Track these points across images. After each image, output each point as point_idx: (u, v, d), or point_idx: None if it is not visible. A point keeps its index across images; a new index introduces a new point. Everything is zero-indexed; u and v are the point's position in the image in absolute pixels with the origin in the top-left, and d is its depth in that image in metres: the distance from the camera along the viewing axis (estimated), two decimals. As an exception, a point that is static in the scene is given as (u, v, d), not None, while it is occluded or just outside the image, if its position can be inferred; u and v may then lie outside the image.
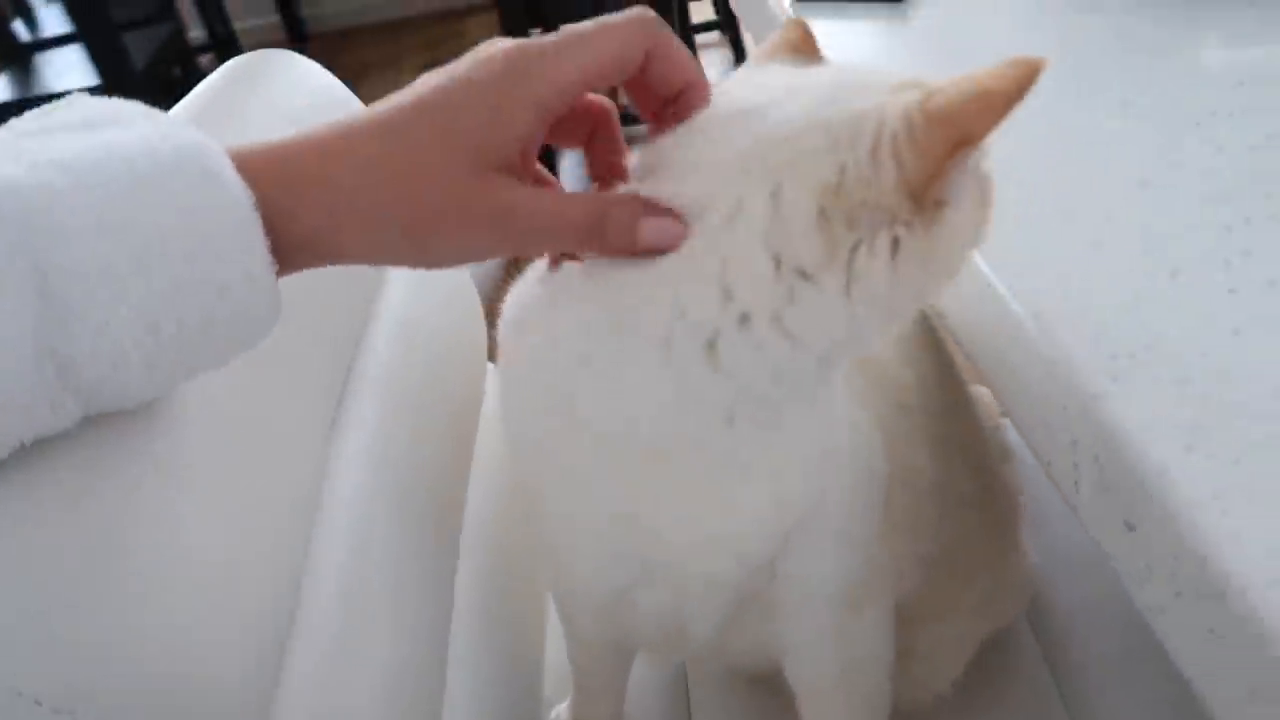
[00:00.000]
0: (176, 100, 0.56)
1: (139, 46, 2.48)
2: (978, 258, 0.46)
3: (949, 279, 0.40)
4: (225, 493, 0.38)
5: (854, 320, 0.37)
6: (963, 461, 0.59)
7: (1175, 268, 0.42)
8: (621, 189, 0.40)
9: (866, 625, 0.53)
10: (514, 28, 2.32)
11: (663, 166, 0.39)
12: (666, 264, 0.37)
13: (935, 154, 0.35)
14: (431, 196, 0.34)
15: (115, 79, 2.30)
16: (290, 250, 0.34)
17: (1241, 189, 0.46)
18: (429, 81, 0.36)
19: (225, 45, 3.31)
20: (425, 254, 0.36)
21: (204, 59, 3.23)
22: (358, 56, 3.54)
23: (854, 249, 0.36)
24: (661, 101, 0.39)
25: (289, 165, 0.34)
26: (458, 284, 0.70)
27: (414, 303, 0.60)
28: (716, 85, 0.42)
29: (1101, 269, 0.43)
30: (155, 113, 0.34)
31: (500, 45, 0.36)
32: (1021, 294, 0.43)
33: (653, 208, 0.37)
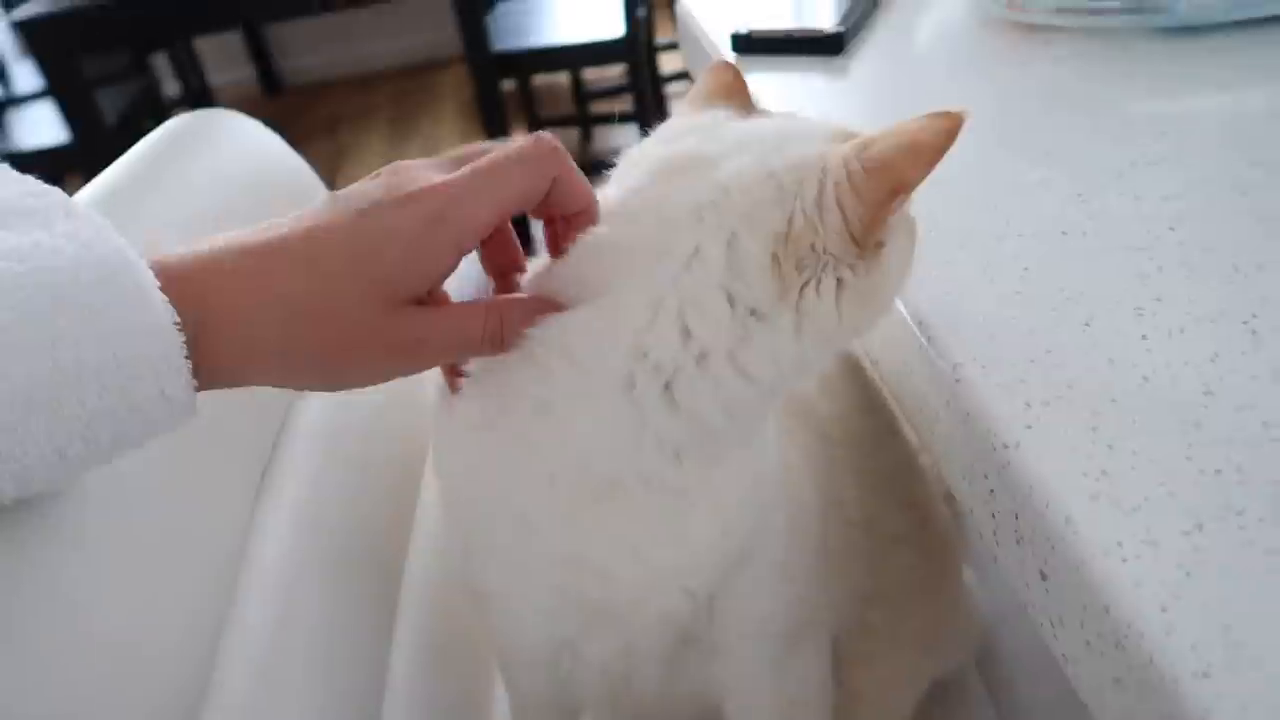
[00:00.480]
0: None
1: (111, 102, 2.49)
2: (902, 307, 0.47)
3: (885, 313, 0.44)
4: (134, 562, 0.38)
5: (801, 355, 0.41)
6: (892, 496, 0.59)
7: (1090, 316, 0.43)
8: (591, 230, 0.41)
9: (804, 662, 0.53)
10: (485, 81, 2.35)
11: (621, 211, 0.41)
12: (627, 309, 0.39)
13: (875, 201, 0.38)
14: (345, 333, 0.35)
15: (87, 135, 2.31)
16: (201, 370, 0.34)
17: (1156, 237, 0.47)
18: (346, 207, 0.36)
19: (199, 99, 3.34)
20: (335, 382, 0.38)
21: (178, 113, 3.25)
22: (331, 109, 3.57)
23: (803, 289, 0.39)
24: (555, 216, 0.42)
25: (204, 291, 0.34)
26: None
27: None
28: (663, 128, 0.46)
29: (1020, 318, 0.44)
30: (75, 208, 0.33)
31: (418, 181, 0.37)
32: (942, 344, 0.44)
33: (540, 305, 0.40)
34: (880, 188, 0.38)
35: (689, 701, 0.57)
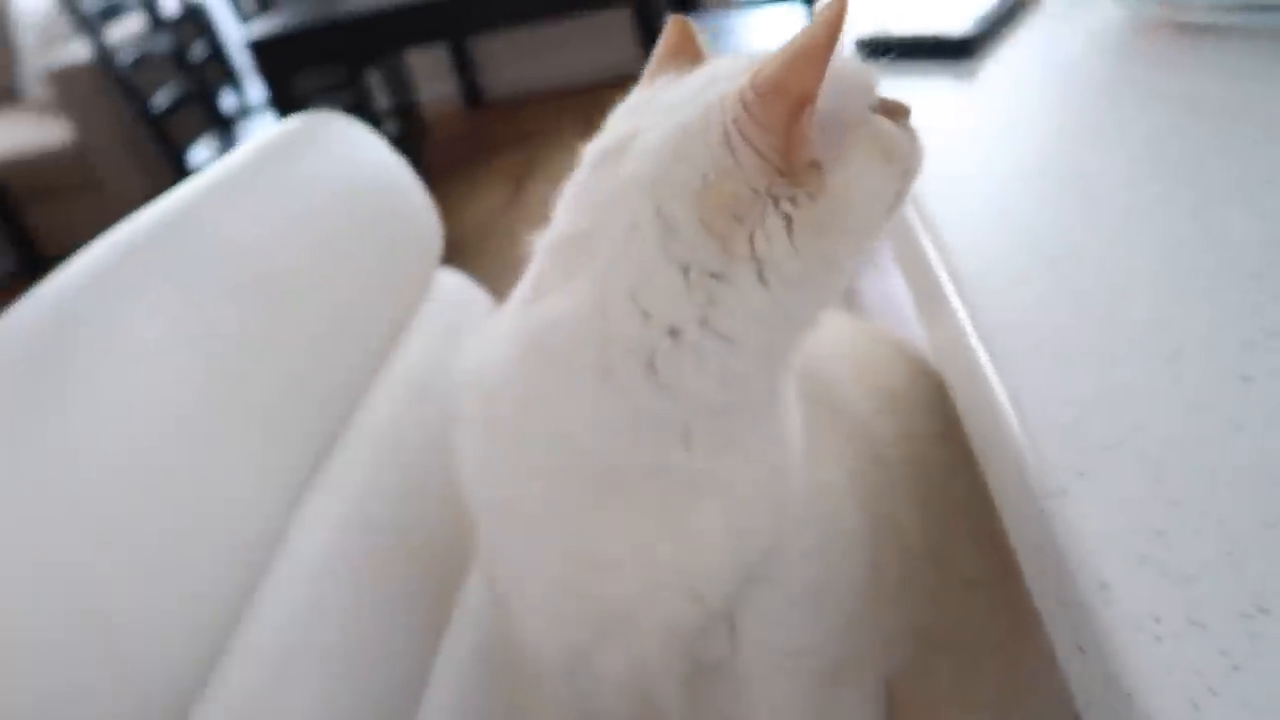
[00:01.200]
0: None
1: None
2: (966, 320, 0.42)
3: (865, 239, 0.40)
4: (158, 535, 0.39)
5: (779, 303, 0.38)
6: (967, 533, 0.53)
7: (1180, 347, 0.37)
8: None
9: (846, 704, 0.49)
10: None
11: (565, 206, 0.42)
12: (581, 298, 0.39)
13: (778, 124, 0.36)
14: None
15: (298, 143, 2.50)
16: None
17: (1284, 262, 0.40)
18: None
19: (406, 112, 3.54)
20: None
21: (387, 125, 3.46)
22: (525, 122, 3.70)
23: (751, 238, 0.37)
24: None
25: None
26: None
27: (432, 358, 0.60)
28: (612, 116, 0.44)
29: (1099, 345, 0.38)
30: None
31: None
32: (1003, 367, 0.39)
33: None
34: (779, 109, 0.35)
35: None
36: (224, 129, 2.89)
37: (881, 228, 0.40)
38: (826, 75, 0.35)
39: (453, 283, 0.69)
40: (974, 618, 0.53)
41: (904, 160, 0.40)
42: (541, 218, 0.44)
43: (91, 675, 0.34)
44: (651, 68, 0.45)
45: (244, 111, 3.07)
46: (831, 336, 0.55)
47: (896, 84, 0.69)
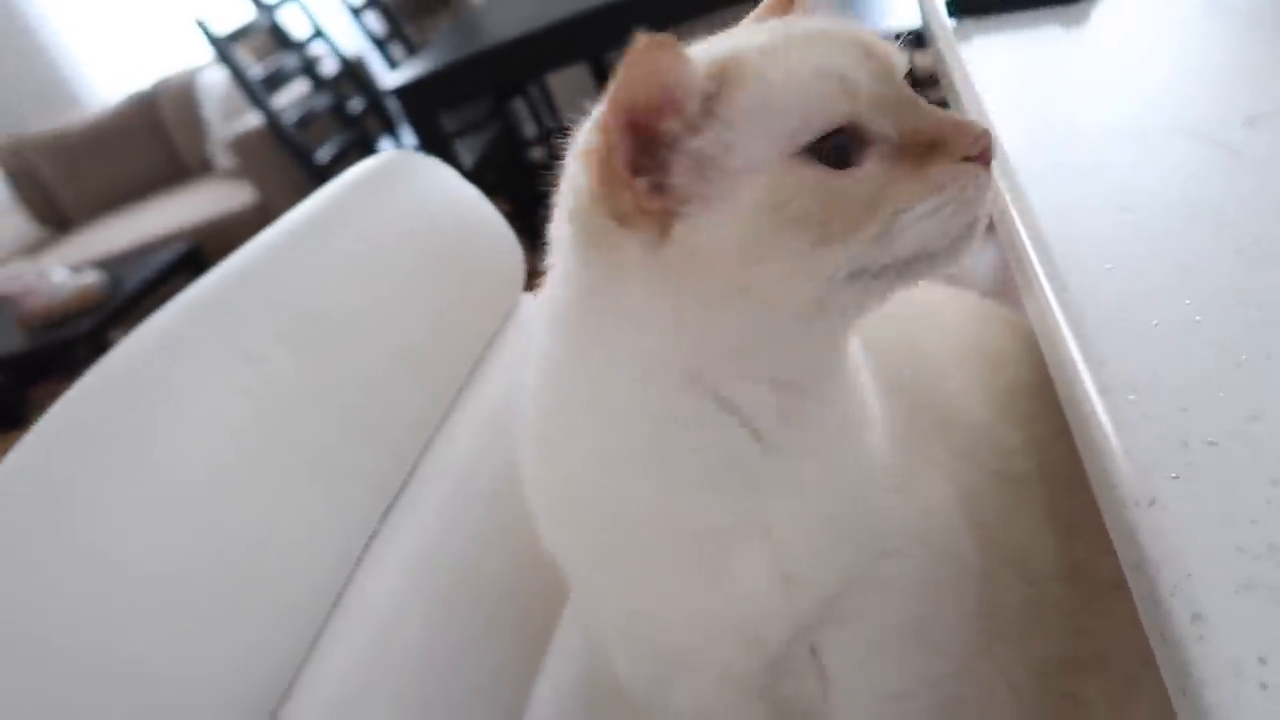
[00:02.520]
0: (503, 184, 0.64)
1: (468, 148, 2.79)
2: (1050, 294, 0.36)
3: (756, 296, 0.32)
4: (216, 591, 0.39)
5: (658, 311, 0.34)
6: (1104, 532, 0.46)
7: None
8: None
9: None
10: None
11: None
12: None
13: (607, 142, 0.31)
14: None
15: (449, 179, 2.59)
16: None
17: None
18: None
19: (552, 136, 3.62)
20: None
21: (533, 151, 3.54)
22: (671, 131, 3.70)
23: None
24: None
25: None
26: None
27: (512, 386, 0.59)
28: None
29: (1209, 324, 0.32)
30: None
31: None
32: (1092, 350, 0.33)
33: None
34: (610, 125, 0.30)
35: None
36: (383, 173, 3.04)
37: (805, 284, 0.32)
38: (732, 101, 0.31)
39: (540, 307, 0.67)
40: (1123, 628, 0.46)
41: (823, 228, 0.31)
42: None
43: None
44: (753, 14, 0.41)
45: (401, 155, 3.23)
46: (938, 327, 0.50)
47: (1001, 43, 0.63)
